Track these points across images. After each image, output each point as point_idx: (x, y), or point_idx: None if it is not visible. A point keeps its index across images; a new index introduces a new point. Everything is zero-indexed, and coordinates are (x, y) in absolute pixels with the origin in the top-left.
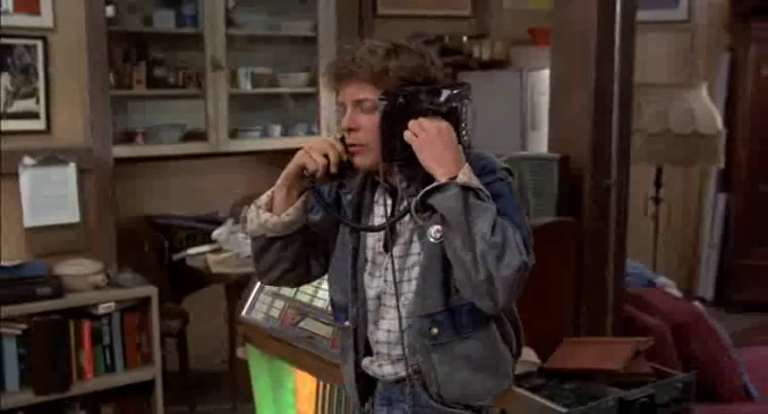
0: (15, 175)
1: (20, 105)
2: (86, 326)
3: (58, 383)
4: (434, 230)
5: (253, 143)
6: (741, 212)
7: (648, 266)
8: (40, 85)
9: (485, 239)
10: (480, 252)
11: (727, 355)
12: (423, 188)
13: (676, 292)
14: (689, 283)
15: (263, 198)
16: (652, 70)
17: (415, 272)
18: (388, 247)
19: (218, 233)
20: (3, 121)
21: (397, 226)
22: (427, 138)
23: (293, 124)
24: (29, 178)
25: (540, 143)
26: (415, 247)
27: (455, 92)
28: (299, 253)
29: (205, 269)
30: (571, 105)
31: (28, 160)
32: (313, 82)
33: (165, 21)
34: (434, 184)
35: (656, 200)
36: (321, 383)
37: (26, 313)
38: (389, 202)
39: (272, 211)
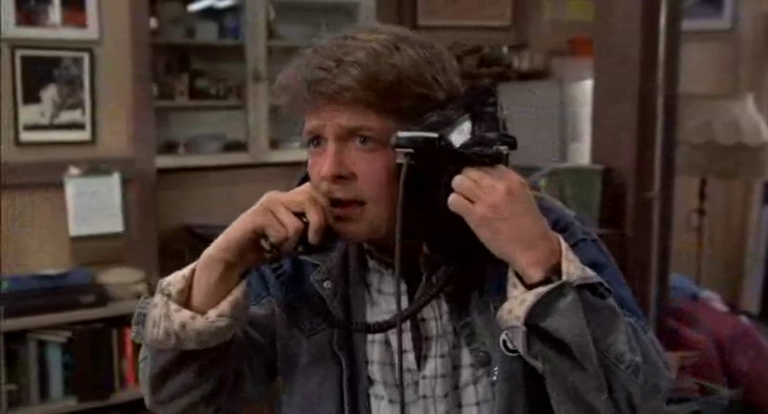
0: (61, 185)
1: (66, 116)
2: (129, 334)
3: (100, 391)
4: (509, 338)
5: (292, 154)
6: None
7: (692, 280)
8: (86, 96)
9: (622, 363)
10: (620, 386)
11: None
12: (458, 269)
13: (721, 306)
14: (734, 297)
15: (175, 281)
16: (696, 80)
17: (473, 394)
18: (420, 358)
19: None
20: (50, 132)
21: (421, 325)
22: (493, 203)
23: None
24: (74, 188)
25: (579, 155)
26: (465, 357)
27: (498, 115)
28: (227, 371)
29: None
30: (614, 116)
31: (73, 170)
32: None
33: (207, 32)
34: (541, 290)
35: (701, 212)
36: None
37: (70, 321)
38: (404, 288)
39: (188, 304)
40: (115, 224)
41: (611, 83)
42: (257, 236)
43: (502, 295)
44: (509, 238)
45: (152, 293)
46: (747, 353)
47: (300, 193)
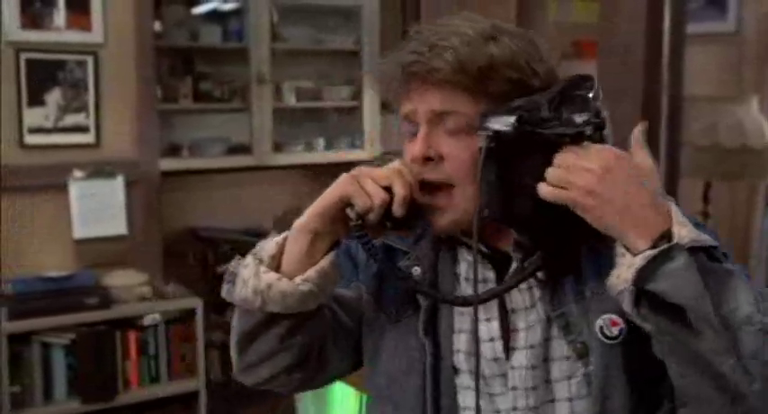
0: (65, 188)
1: (70, 119)
2: (132, 337)
3: (104, 393)
4: (607, 323)
5: (296, 156)
6: None
7: None
8: (90, 99)
9: (752, 325)
10: (751, 350)
11: None
12: (551, 254)
13: None
14: None
15: (268, 247)
16: (700, 83)
17: (565, 389)
18: (508, 349)
19: (261, 246)
20: (54, 135)
21: (511, 314)
22: (588, 188)
23: (337, 138)
24: (78, 190)
25: None
26: (558, 349)
27: (592, 97)
28: (312, 343)
29: None
30: (618, 118)
31: (77, 173)
32: (356, 95)
33: (211, 35)
34: (650, 253)
35: (705, 215)
36: (363, 397)
37: (74, 323)
38: (491, 275)
39: (278, 269)
40: (119, 227)
41: (615, 84)
42: (344, 204)
43: (600, 283)
44: (613, 216)
45: (158, 296)
46: None
47: (388, 169)
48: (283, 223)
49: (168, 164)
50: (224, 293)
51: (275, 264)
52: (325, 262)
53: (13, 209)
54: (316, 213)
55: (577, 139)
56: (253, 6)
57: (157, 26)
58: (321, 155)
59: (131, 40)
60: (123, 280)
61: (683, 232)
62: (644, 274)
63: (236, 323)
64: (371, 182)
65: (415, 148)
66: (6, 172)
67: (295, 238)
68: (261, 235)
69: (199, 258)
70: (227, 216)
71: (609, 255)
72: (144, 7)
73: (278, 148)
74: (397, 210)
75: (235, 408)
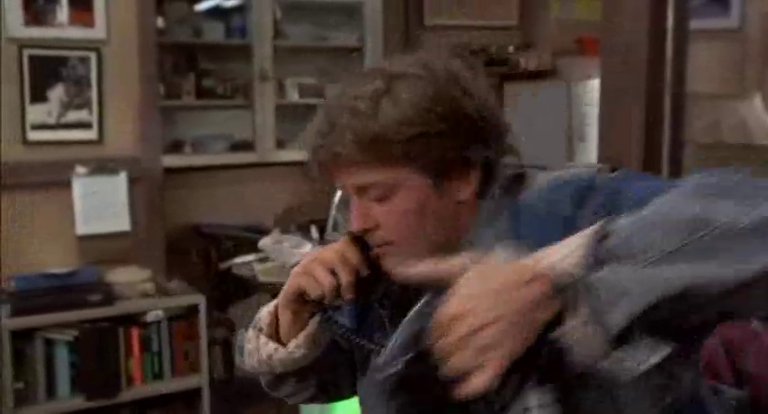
0: (68, 184)
1: (73, 116)
2: (135, 333)
3: (107, 389)
4: (635, 359)
5: (299, 153)
6: None
7: None
8: (93, 95)
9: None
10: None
11: None
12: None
13: None
14: None
15: (264, 316)
16: (703, 80)
17: None
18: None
19: (263, 243)
20: (57, 131)
21: None
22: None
23: None
24: (81, 187)
25: (587, 154)
26: None
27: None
28: (326, 378)
29: (251, 278)
30: (621, 116)
31: (80, 169)
32: None
33: (213, 32)
34: (571, 325)
35: None
36: None
37: (77, 320)
38: None
39: (277, 337)
40: (122, 223)
41: (618, 82)
42: (301, 295)
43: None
44: (516, 336)
45: (161, 293)
46: (755, 353)
47: (335, 252)
48: (284, 221)
49: (171, 160)
50: (238, 363)
51: (273, 330)
52: (311, 327)
53: (15, 205)
54: (282, 305)
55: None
56: (255, 3)
57: (160, 23)
58: None
59: (134, 36)
60: (126, 276)
61: (569, 269)
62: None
63: (261, 378)
64: (320, 269)
65: (354, 223)
66: (9, 168)
67: (281, 311)
68: (263, 232)
69: (201, 255)
70: (230, 213)
71: None
72: (147, 4)
73: (280, 144)
74: (345, 294)
75: (237, 405)
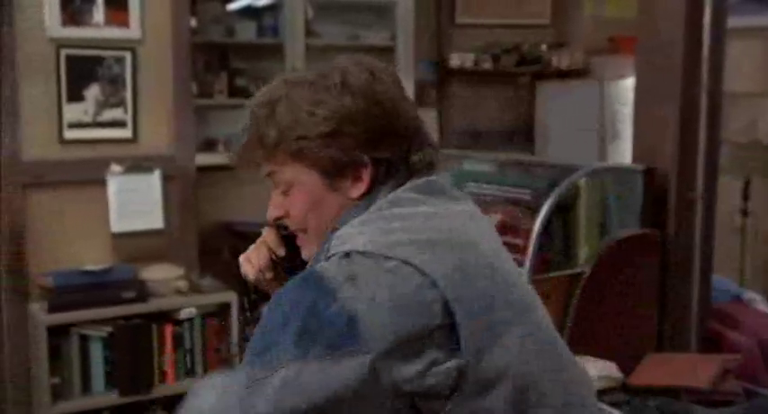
0: (103, 182)
1: (108, 114)
2: (169, 330)
3: (140, 385)
4: None
5: None
6: None
7: (735, 281)
8: (128, 94)
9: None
10: None
11: None
12: None
13: (765, 308)
14: None
15: None
16: (739, 79)
17: None
18: None
19: None
20: (92, 130)
21: None
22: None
23: None
24: (116, 185)
25: (619, 154)
26: None
27: None
28: None
29: None
30: (656, 115)
31: (115, 168)
32: None
33: (246, 31)
34: None
35: (744, 212)
36: None
37: (112, 316)
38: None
39: None
40: (156, 221)
41: (654, 81)
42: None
43: None
44: None
45: (193, 290)
46: None
47: (260, 240)
48: None
49: (203, 159)
50: None
51: None
52: None
53: (52, 203)
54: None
55: None
56: (288, 2)
57: (193, 22)
58: None
59: (168, 36)
60: (160, 274)
61: None
62: None
63: None
64: (249, 256)
65: (268, 212)
66: (46, 166)
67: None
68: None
69: (233, 253)
70: (261, 211)
71: None
72: (181, 4)
73: None
74: (267, 274)
75: None
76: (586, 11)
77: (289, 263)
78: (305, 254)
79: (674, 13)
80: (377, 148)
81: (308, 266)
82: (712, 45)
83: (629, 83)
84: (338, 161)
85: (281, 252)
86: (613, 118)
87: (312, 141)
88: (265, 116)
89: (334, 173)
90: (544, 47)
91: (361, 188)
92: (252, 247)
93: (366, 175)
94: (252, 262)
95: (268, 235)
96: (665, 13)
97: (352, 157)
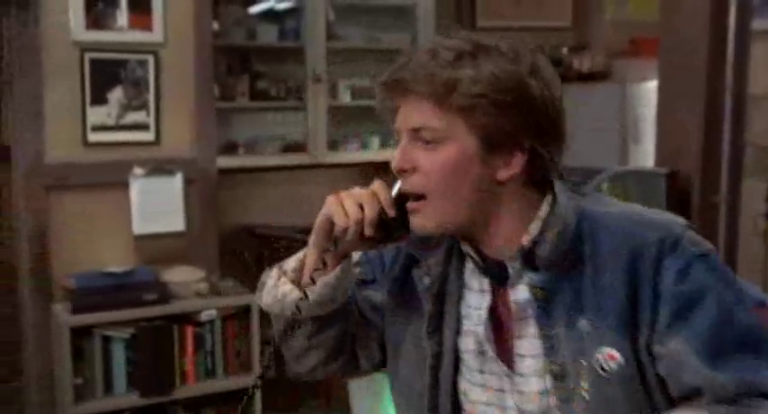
0: (126, 184)
1: (131, 117)
2: (190, 332)
3: (162, 387)
4: (605, 357)
5: (351, 155)
6: None
7: (758, 285)
8: (151, 97)
9: None
10: None
11: None
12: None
13: None
14: None
15: (291, 260)
16: (762, 81)
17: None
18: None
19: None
20: (115, 133)
21: (516, 327)
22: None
23: (391, 136)
24: (138, 187)
25: (641, 157)
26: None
27: None
28: (341, 340)
29: None
30: (680, 118)
31: (138, 170)
32: None
33: (267, 34)
34: None
35: None
36: None
37: (134, 318)
38: (487, 288)
39: (299, 281)
40: (177, 223)
41: (677, 83)
42: (329, 223)
43: (599, 316)
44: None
45: (214, 293)
46: None
47: (368, 188)
48: None
49: (225, 162)
50: (256, 298)
51: (295, 275)
52: (331, 275)
53: (75, 205)
54: (314, 232)
55: None
56: (309, 5)
57: (215, 26)
58: (376, 153)
59: (191, 39)
60: (181, 276)
61: None
62: None
63: (274, 324)
64: (350, 201)
65: (394, 161)
66: (70, 169)
67: (309, 253)
68: None
69: (254, 256)
70: (282, 214)
71: (612, 289)
72: (203, 7)
73: (333, 146)
74: (367, 229)
75: (288, 405)
76: (607, 13)
77: (391, 228)
78: (417, 223)
79: (698, 14)
80: (538, 140)
81: (412, 238)
82: (737, 47)
83: (651, 85)
84: (503, 135)
85: (392, 212)
86: (635, 121)
87: (489, 104)
88: (448, 60)
89: (493, 145)
90: (565, 50)
91: (509, 171)
92: (355, 189)
93: (518, 161)
94: (348, 209)
95: (380, 190)
96: (688, 15)
97: (516, 138)
